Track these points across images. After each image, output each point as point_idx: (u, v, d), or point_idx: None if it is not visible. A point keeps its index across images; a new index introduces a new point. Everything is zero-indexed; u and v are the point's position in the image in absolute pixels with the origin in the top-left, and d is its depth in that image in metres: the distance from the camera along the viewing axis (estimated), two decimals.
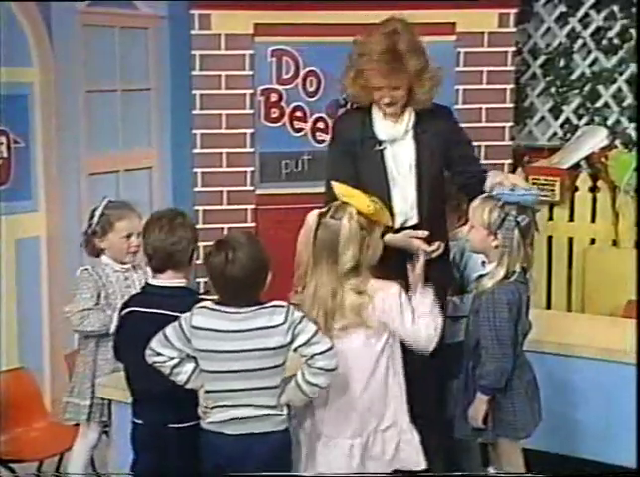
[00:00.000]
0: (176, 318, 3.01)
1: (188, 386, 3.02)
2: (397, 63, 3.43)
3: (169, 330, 2.96)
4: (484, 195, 3.33)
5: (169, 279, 3.17)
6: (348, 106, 5.21)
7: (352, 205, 3.09)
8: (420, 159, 3.54)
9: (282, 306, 2.93)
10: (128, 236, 3.64)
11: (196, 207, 5.07)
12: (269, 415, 2.96)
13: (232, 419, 2.95)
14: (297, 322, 2.91)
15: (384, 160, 3.56)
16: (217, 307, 2.96)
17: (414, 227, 3.54)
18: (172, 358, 2.97)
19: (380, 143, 3.55)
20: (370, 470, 3.15)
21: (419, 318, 3.11)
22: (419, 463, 3.20)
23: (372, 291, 3.08)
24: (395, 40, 3.45)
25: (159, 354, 2.97)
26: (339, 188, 3.15)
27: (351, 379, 3.11)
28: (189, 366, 3.00)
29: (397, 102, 3.50)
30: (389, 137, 3.55)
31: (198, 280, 4.82)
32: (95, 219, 3.64)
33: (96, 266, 3.64)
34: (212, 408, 2.98)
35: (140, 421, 3.18)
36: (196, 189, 5.10)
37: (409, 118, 3.54)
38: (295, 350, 2.93)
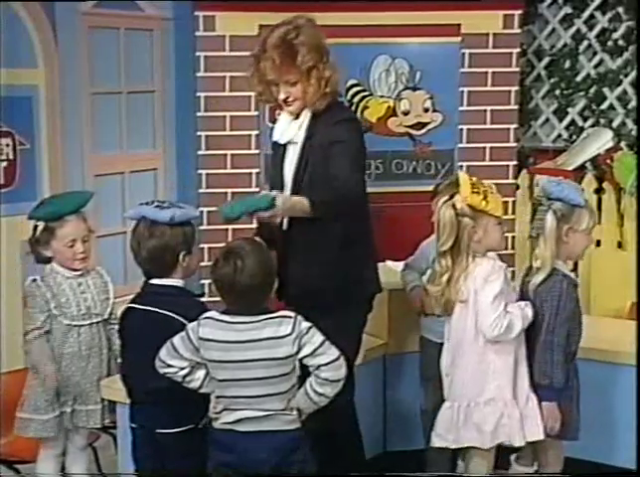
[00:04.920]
0: (168, 317, 3.06)
1: (202, 391, 3.04)
2: (288, 56, 3.35)
3: (177, 341, 2.97)
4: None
5: (165, 278, 3.20)
6: (352, 108, 5.25)
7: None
8: (299, 165, 3.46)
9: (289, 316, 2.93)
10: (72, 242, 3.48)
11: (201, 208, 5.07)
12: (278, 415, 2.98)
13: (241, 419, 2.97)
14: (304, 332, 2.91)
15: (283, 162, 3.54)
16: (224, 317, 2.96)
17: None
18: (182, 368, 2.99)
19: (278, 145, 3.54)
20: (471, 438, 3.33)
21: (500, 305, 3.25)
22: (520, 440, 3.32)
23: (473, 267, 3.29)
24: (290, 34, 3.38)
25: (169, 365, 2.99)
26: (459, 176, 3.34)
27: (450, 347, 3.40)
28: (201, 373, 3.02)
29: (294, 100, 3.42)
30: (282, 138, 3.51)
31: (202, 282, 4.84)
32: (39, 227, 3.49)
33: (47, 275, 3.52)
34: (221, 411, 3.00)
35: (135, 425, 3.21)
36: (201, 190, 5.11)
37: (304, 120, 3.45)
38: (302, 360, 2.93)
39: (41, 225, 3.52)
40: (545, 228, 3.33)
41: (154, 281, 3.21)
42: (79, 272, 3.54)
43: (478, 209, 3.27)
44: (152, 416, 3.16)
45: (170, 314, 3.10)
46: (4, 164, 4.35)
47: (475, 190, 3.26)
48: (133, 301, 3.23)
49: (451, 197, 3.31)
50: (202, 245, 4.58)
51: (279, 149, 3.58)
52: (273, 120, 3.64)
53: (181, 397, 3.06)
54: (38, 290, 3.49)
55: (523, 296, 3.42)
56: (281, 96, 3.43)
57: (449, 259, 3.31)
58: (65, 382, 3.49)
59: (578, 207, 3.35)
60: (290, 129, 3.49)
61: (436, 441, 3.43)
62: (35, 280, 3.52)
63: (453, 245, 3.29)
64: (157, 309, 3.14)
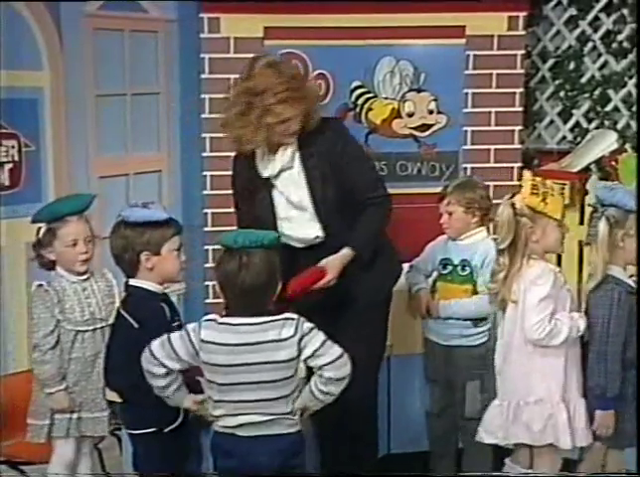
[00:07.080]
0: (124, 318, 3.13)
1: (170, 403, 3.04)
2: (297, 89, 3.49)
3: (177, 342, 2.95)
4: None
5: (136, 279, 3.22)
6: (357, 110, 5.25)
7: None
8: (312, 184, 3.54)
9: (292, 318, 2.93)
10: (74, 243, 3.45)
11: (205, 210, 5.08)
12: (280, 419, 2.97)
13: (243, 424, 2.97)
14: (306, 333, 2.91)
15: (271, 196, 3.60)
16: (226, 320, 2.95)
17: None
18: (173, 371, 2.97)
19: (256, 181, 3.61)
20: (519, 436, 3.38)
21: (546, 309, 3.24)
22: (565, 443, 3.33)
23: (525, 268, 3.30)
24: (280, 68, 3.53)
25: (163, 365, 2.96)
26: (524, 173, 3.39)
27: (502, 347, 3.43)
28: (174, 386, 3.01)
29: (296, 129, 3.54)
30: (274, 171, 3.58)
31: (207, 283, 4.84)
32: (42, 230, 3.48)
33: (52, 280, 3.50)
34: (220, 416, 2.99)
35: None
36: (205, 192, 5.11)
37: (292, 143, 3.54)
38: (305, 361, 2.93)
39: (44, 227, 3.50)
40: (597, 234, 3.34)
41: (129, 281, 3.23)
42: (83, 276, 3.51)
43: (537, 210, 3.28)
44: (122, 416, 3.24)
45: (125, 315, 3.13)
46: (9, 166, 4.35)
47: (534, 191, 3.28)
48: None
49: (508, 199, 3.35)
50: (206, 247, 4.57)
51: (259, 183, 3.61)
52: None
53: (144, 400, 3.07)
54: (46, 295, 3.46)
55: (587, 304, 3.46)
56: (292, 129, 3.56)
57: (507, 258, 3.33)
58: (71, 388, 3.47)
59: (632, 212, 3.35)
60: (281, 159, 3.56)
61: (485, 437, 3.47)
62: (41, 285, 3.48)
63: (511, 244, 3.31)
64: (121, 309, 3.19)
